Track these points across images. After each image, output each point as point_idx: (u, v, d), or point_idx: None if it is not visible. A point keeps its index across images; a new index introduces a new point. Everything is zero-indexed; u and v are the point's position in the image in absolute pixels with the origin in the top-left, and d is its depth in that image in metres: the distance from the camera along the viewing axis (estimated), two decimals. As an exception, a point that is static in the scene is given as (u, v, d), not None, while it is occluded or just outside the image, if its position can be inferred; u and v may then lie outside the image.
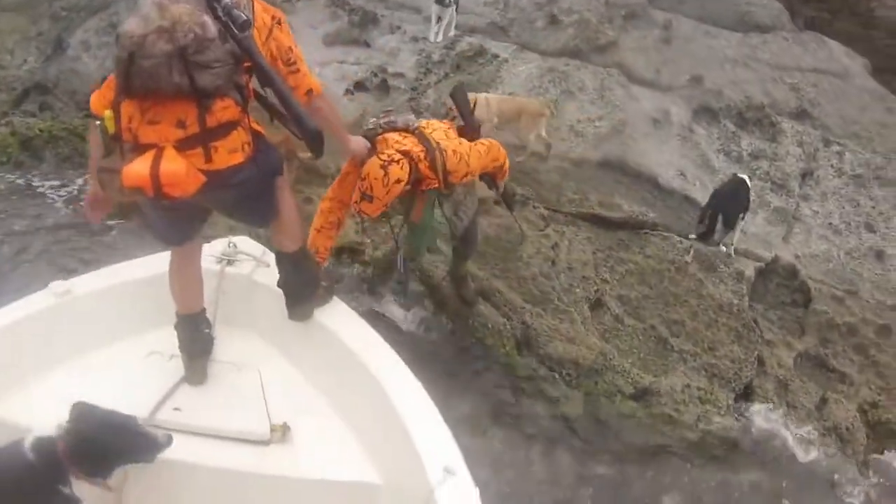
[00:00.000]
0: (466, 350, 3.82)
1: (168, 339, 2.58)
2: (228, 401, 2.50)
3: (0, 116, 5.66)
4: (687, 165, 5.36)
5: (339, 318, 2.71)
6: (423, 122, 3.10)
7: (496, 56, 6.18)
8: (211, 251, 2.81)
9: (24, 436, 1.88)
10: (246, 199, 2.22)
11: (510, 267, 4.23)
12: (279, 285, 2.64)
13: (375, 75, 5.82)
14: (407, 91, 5.73)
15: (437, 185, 3.01)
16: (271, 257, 2.75)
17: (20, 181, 4.88)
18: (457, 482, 2.02)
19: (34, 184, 4.92)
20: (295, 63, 2.27)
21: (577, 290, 4.23)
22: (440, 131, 3.05)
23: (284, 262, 2.57)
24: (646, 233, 4.72)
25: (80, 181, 4.89)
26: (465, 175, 3.04)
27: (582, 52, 6.31)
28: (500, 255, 4.31)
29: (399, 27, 6.50)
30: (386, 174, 2.78)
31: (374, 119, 3.07)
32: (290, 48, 2.25)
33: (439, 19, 6.22)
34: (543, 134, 5.29)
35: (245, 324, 2.81)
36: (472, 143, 3.12)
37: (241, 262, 2.85)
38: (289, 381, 2.66)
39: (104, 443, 1.92)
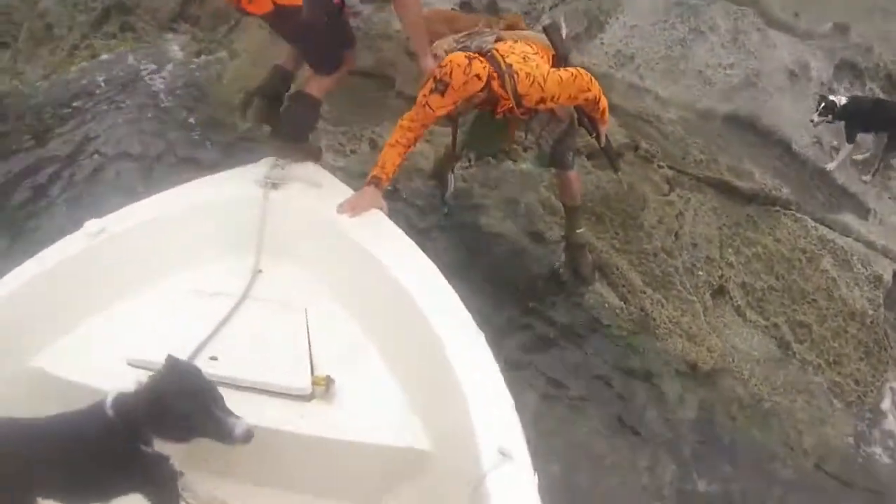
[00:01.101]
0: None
1: (210, 275, 2.53)
2: (268, 348, 2.32)
3: (80, 40, 5.32)
4: (823, 132, 4.71)
5: (398, 252, 2.44)
6: (505, 45, 2.92)
7: (622, -23, 5.40)
8: (254, 173, 2.68)
9: (106, 394, 1.77)
10: (303, 40, 3.02)
11: (630, 237, 3.78)
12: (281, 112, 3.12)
13: (485, -6, 5.17)
14: (521, 14, 5.07)
15: (510, 107, 2.86)
16: (323, 176, 2.74)
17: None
18: (513, 468, 1.72)
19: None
20: None
21: (700, 272, 3.80)
22: (517, 55, 2.85)
23: (298, 98, 3.14)
24: (777, 210, 4.21)
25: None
26: (541, 100, 2.83)
27: None
28: (619, 221, 3.85)
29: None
30: (469, 63, 2.69)
31: (452, 39, 3.04)
32: None
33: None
34: None
35: (292, 256, 2.62)
36: (553, 69, 2.88)
37: (287, 186, 2.67)
38: (337, 326, 2.44)
39: (183, 413, 1.75)
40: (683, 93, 4.77)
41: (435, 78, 2.71)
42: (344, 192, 2.73)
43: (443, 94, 2.70)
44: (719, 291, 3.78)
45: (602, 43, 4.97)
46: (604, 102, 3.03)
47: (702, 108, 4.73)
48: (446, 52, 2.91)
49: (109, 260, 2.41)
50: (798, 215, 4.19)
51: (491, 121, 3.10)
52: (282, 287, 2.52)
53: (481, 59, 2.75)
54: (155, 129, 4.62)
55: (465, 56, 2.73)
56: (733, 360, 3.48)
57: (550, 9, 5.18)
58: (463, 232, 3.71)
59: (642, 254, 3.73)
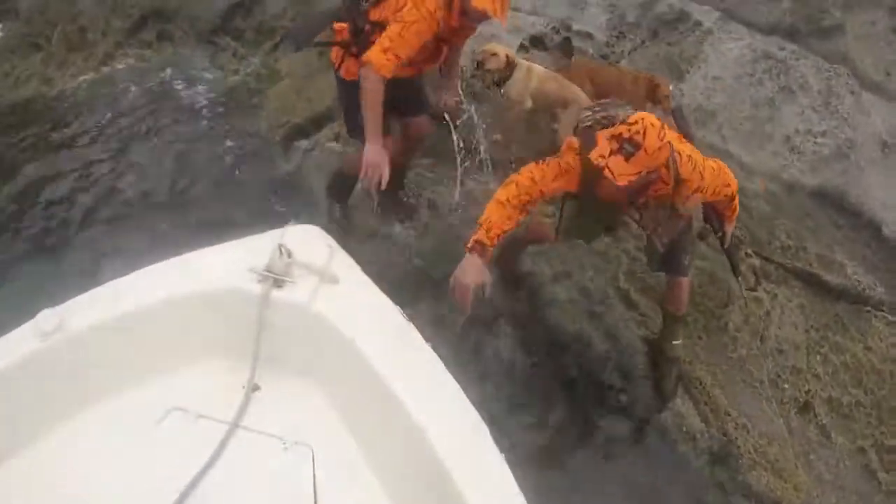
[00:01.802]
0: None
1: (193, 390, 2.01)
2: (267, 493, 1.87)
3: (114, 47, 4.91)
4: (919, 214, 4.34)
5: (429, 386, 1.91)
6: (639, 116, 2.35)
7: (699, 24, 4.88)
8: (251, 259, 2.03)
9: None
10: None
11: (714, 342, 3.42)
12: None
13: (557, 31, 4.67)
14: (594, 58, 4.64)
15: (667, 193, 2.52)
16: (342, 263, 2.10)
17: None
18: None
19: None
20: (384, 30, 2.65)
21: (786, 385, 3.44)
22: (671, 131, 2.44)
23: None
24: (868, 311, 3.85)
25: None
26: (697, 190, 2.51)
27: (799, 33, 4.91)
28: (702, 322, 3.49)
29: (582, -29, 5.23)
30: (662, 128, 2.27)
31: (589, 112, 2.54)
32: (393, 20, 2.65)
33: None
34: None
35: (296, 371, 2.08)
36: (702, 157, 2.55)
37: (294, 281, 2.02)
38: (350, 473, 1.94)
39: None
40: (769, 160, 4.36)
41: (621, 136, 2.24)
42: (367, 290, 2.12)
43: (628, 158, 2.22)
44: (804, 408, 3.42)
45: (682, 94, 4.55)
46: (737, 198, 2.75)
47: (788, 179, 4.32)
48: (578, 127, 2.55)
49: (64, 367, 1.90)
50: (891, 318, 3.82)
51: (596, 207, 2.73)
52: (282, 413, 2.03)
53: None
54: (180, 159, 4.27)
55: (657, 117, 2.34)
56: (819, 497, 3.16)
57: (629, 52, 4.75)
58: (527, 326, 3.36)
59: (727, 364, 3.38)
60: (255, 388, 2.04)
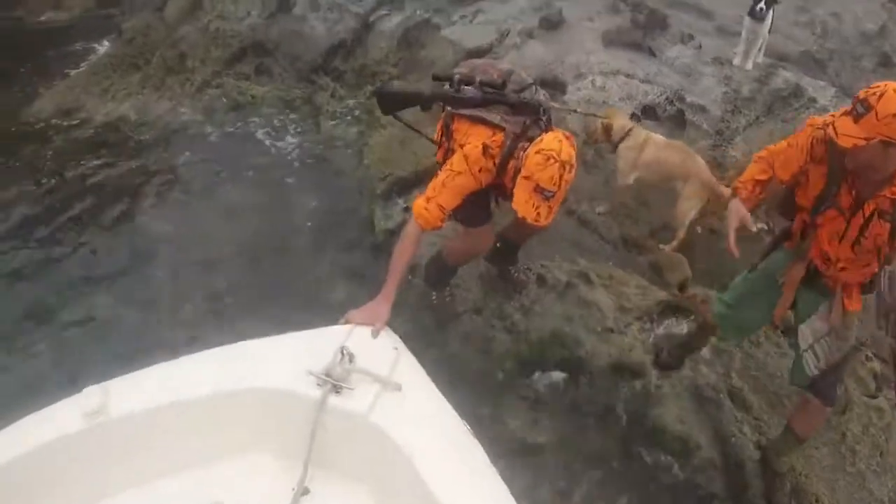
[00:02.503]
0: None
1: (238, 485, 1.90)
2: None
3: (212, 77, 4.99)
4: None
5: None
6: (886, 82, 2.05)
7: (814, 101, 4.82)
8: (311, 359, 1.91)
9: None
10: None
11: (831, 453, 3.35)
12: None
13: (671, 102, 4.66)
14: (710, 134, 4.58)
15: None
16: (407, 369, 1.98)
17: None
18: None
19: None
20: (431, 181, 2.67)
21: (904, 506, 3.37)
22: None
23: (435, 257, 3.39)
24: None
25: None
26: None
27: None
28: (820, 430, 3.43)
29: (691, 37, 5.20)
30: None
31: None
32: (444, 165, 2.71)
33: (750, 38, 4.86)
34: (689, 219, 3.98)
35: (349, 479, 1.95)
36: None
37: (354, 388, 1.89)
38: None
39: None
40: None
41: (857, 98, 2.03)
42: (431, 401, 1.98)
43: (857, 119, 1.99)
44: (922, 531, 3.32)
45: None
46: None
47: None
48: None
49: (106, 450, 1.83)
50: None
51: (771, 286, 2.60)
52: None
53: None
54: (253, 215, 3.99)
55: None
56: None
57: (745, 129, 4.69)
58: (631, 428, 3.27)
59: (845, 479, 3.27)
60: (305, 491, 1.96)
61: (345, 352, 1.91)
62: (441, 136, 2.95)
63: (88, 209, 4.02)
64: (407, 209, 4.09)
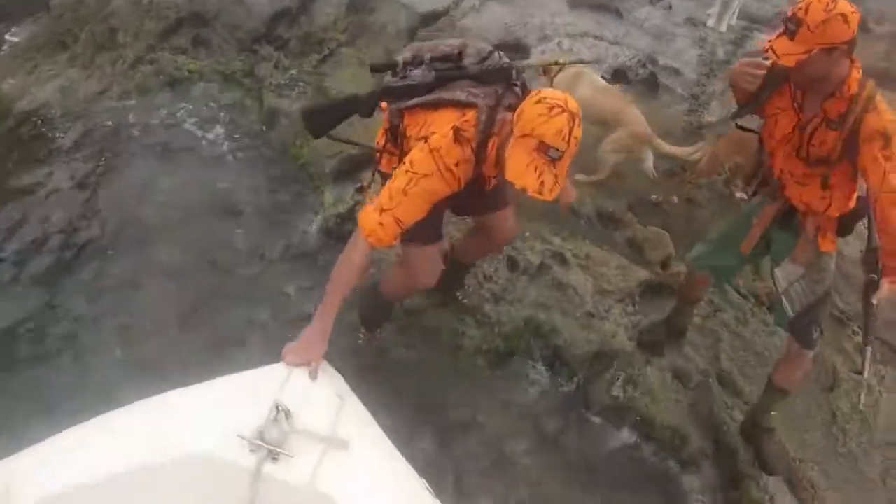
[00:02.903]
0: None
1: None
2: None
3: (145, 52, 4.48)
4: None
5: None
6: None
7: (786, 64, 4.62)
8: (243, 413, 1.60)
9: None
10: None
11: (823, 435, 3.18)
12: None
13: (643, 65, 4.38)
14: (684, 98, 4.33)
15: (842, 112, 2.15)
16: (354, 420, 1.74)
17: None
18: None
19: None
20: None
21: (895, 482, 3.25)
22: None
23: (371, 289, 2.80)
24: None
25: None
26: (882, 136, 2.11)
27: (890, 75, 4.65)
28: (806, 407, 3.27)
29: (660, -3, 4.92)
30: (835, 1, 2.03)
31: None
32: (400, 166, 2.14)
33: (724, 0, 4.61)
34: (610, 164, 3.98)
35: None
36: None
37: (291, 455, 1.58)
38: None
39: None
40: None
41: (785, 16, 2.07)
42: (383, 457, 1.78)
43: (792, 37, 2.02)
44: (911, 507, 3.21)
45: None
46: None
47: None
48: None
49: None
50: None
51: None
52: None
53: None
54: (190, 211, 3.54)
55: None
56: None
57: (721, 93, 4.46)
58: (617, 421, 3.06)
59: (837, 461, 3.13)
60: None
61: (280, 408, 1.60)
62: (386, 141, 2.42)
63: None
64: (360, 190, 3.71)
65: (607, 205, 3.99)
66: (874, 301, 2.34)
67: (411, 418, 2.74)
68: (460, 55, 2.31)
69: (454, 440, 2.80)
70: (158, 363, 2.75)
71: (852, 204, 2.39)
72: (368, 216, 2.04)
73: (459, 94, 2.16)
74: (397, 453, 1.78)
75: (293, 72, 4.51)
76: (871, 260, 2.33)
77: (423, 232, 2.25)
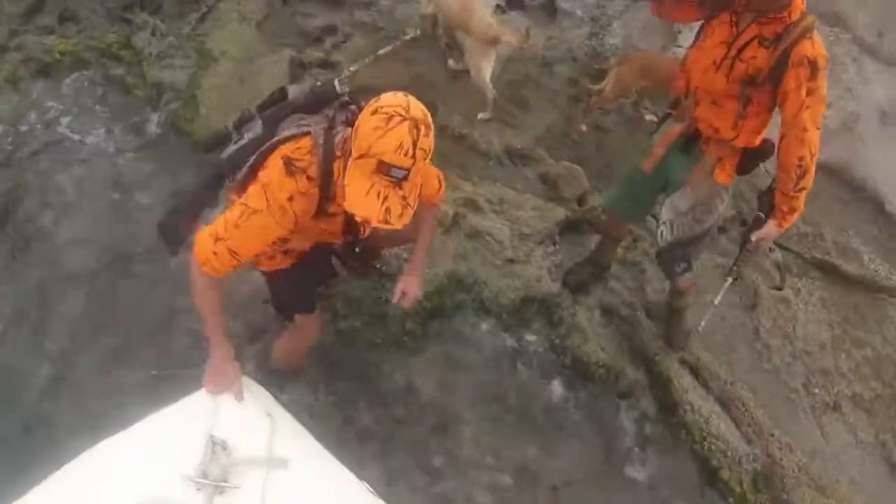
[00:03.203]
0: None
1: None
2: None
3: (9, 37, 3.83)
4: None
5: None
6: None
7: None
8: (181, 452, 1.64)
9: None
10: None
11: (748, 354, 3.22)
12: None
13: (539, -10, 4.16)
14: (584, 21, 4.13)
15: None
16: (288, 434, 1.78)
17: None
18: None
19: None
20: None
21: (817, 390, 3.30)
22: None
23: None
24: (883, 299, 3.73)
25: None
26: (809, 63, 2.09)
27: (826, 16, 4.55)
28: (730, 328, 3.30)
29: None
30: None
31: None
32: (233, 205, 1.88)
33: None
34: (487, 76, 3.69)
35: None
36: None
37: (237, 486, 1.62)
38: None
39: None
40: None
41: None
42: (323, 468, 1.79)
43: None
44: (834, 409, 3.31)
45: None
46: (811, 174, 2.19)
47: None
48: None
49: None
50: (904, 304, 3.74)
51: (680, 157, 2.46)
52: None
53: None
54: (89, 210, 3.12)
55: None
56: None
57: (622, 14, 4.29)
58: (551, 366, 2.98)
59: (764, 378, 3.19)
60: None
61: (215, 441, 1.64)
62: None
63: None
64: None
65: (515, 141, 3.80)
66: (753, 238, 2.39)
67: (348, 393, 2.64)
68: (283, 91, 2.01)
69: (394, 407, 2.67)
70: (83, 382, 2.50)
71: (758, 141, 2.34)
72: (204, 243, 1.81)
73: (288, 132, 1.85)
74: (335, 461, 1.80)
75: (172, 38, 3.97)
76: (766, 199, 2.36)
77: (299, 304, 2.24)
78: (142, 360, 2.66)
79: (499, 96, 3.83)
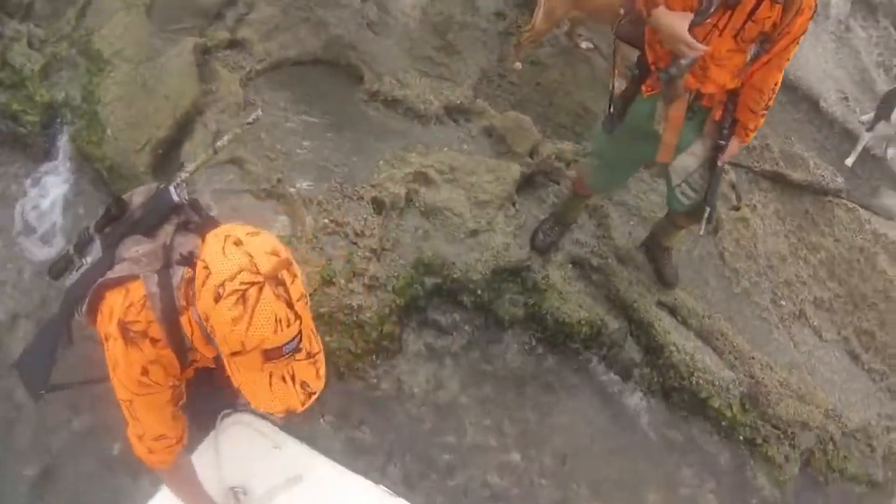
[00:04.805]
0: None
1: None
2: None
3: None
4: (844, 80, 4.27)
5: None
6: None
7: None
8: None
9: None
10: None
11: (718, 283, 3.26)
12: None
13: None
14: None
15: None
16: (297, 455, 1.92)
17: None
18: None
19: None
20: None
21: (783, 302, 3.41)
22: None
23: None
24: (830, 201, 3.82)
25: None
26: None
27: None
28: (699, 258, 3.31)
29: None
30: None
31: None
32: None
33: None
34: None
35: None
36: None
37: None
38: None
39: None
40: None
41: None
42: (337, 475, 1.90)
43: None
44: (799, 316, 3.44)
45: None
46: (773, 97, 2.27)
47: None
48: None
49: None
50: (850, 205, 3.85)
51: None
52: None
53: None
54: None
55: None
56: (836, 408, 3.24)
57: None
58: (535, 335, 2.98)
59: (736, 302, 3.24)
60: None
61: (235, 491, 1.80)
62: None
63: None
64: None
65: (453, 96, 3.57)
66: (720, 164, 2.38)
67: (343, 412, 2.58)
68: (121, 203, 1.63)
69: (390, 414, 2.62)
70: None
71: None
72: (136, 446, 1.59)
73: (119, 268, 1.48)
74: (349, 471, 1.92)
75: (53, 45, 3.34)
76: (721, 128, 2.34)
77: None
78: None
79: (425, 45, 3.58)
